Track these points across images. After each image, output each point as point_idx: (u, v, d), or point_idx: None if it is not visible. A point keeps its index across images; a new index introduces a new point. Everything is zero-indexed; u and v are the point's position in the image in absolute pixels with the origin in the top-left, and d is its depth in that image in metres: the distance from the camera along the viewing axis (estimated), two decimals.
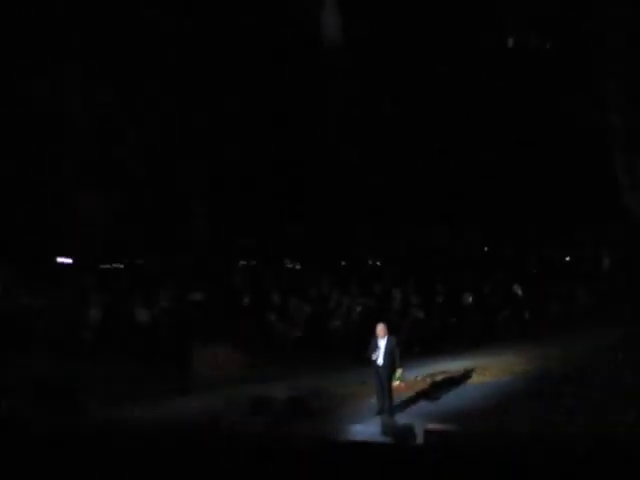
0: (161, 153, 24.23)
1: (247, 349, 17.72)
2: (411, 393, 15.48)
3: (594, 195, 17.84)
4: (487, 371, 16.81)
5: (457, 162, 21.15)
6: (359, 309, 18.48)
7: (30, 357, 18.24)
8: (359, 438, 14.25)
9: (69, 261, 22.05)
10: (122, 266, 21.43)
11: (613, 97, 17.44)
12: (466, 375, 16.60)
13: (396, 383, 14.78)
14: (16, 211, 21.27)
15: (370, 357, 14.85)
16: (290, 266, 21.12)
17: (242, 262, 21.55)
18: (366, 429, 14.37)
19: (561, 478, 10.89)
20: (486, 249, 21.12)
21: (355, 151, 21.81)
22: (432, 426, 13.85)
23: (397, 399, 14.95)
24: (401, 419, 14.63)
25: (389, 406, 14.65)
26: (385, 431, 14.10)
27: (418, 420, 14.36)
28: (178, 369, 17.19)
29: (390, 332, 15.04)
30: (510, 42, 21.77)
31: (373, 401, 15.01)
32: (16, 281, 20.44)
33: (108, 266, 21.55)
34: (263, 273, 20.66)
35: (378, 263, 20.95)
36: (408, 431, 13.85)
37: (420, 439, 13.57)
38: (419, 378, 16.13)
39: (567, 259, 20.43)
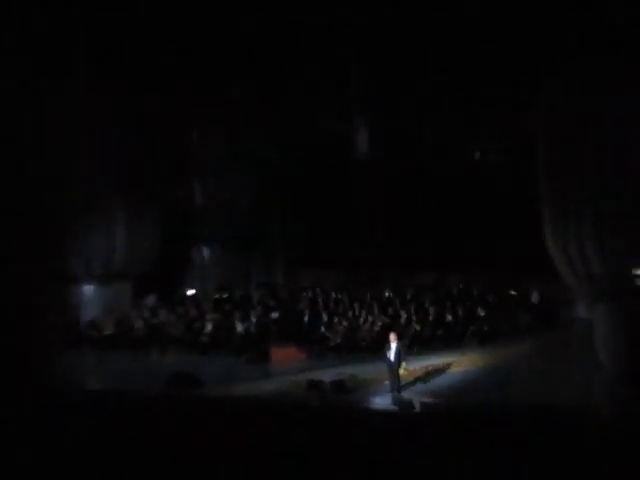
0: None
1: (306, 350, 17.67)
2: (411, 378, 15.38)
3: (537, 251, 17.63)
4: (461, 364, 16.72)
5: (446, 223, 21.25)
6: (379, 324, 18.30)
7: (166, 354, 18.39)
8: (378, 408, 14.49)
9: (193, 291, 22.14)
10: (227, 295, 21.46)
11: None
12: (447, 367, 16.48)
13: (402, 371, 14.81)
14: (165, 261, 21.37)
15: (385, 355, 15.02)
16: (334, 296, 21.08)
17: (304, 293, 21.46)
18: (382, 402, 14.50)
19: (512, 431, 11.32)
20: (461, 286, 21.04)
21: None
22: (425, 399, 14.44)
23: (402, 382, 14.89)
24: (405, 395, 14.68)
25: (397, 387, 14.70)
26: (394, 403, 14.29)
27: (416, 396, 14.62)
28: (262, 362, 17.31)
29: (398, 338, 15.12)
30: None
31: (387, 383, 14.98)
32: (159, 304, 20.66)
33: (218, 296, 21.51)
34: (317, 300, 20.63)
35: (391, 294, 20.86)
36: (409, 403, 14.12)
37: (417, 408, 13.97)
38: (417, 368, 15.92)
39: (513, 293, 20.33)
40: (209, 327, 19.05)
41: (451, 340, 18.32)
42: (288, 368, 16.80)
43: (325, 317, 19.24)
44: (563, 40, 14.61)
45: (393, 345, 15.14)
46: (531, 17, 14.31)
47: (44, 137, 17.97)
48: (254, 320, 19.23)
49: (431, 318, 18.97)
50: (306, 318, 19.39)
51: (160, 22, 16.09)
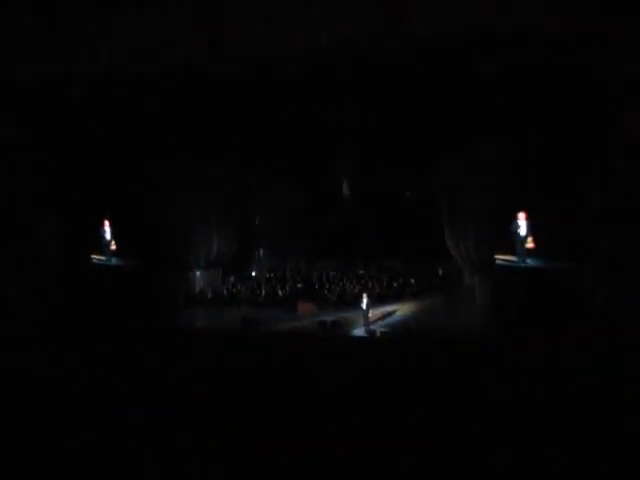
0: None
1: (317, 304, 17.42)
2: (375, 318, 15.28)
3: (442, 247, 17.37)
4: (403, 309, 16.63)
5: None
6: (357, 289, 18.15)
7: (240, 308, 18.00)
8: (357, 335, 14.56)
9: (254, 273, 21.74)
10: (273, 275, 21.01)
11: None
12: (395, 311, 16.38)
13: (370, 315, 14.94)
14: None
15: (360, 306, 15.15)
16: (332, 274, 20.54)
17: (317, 272, 20.83)
18: (359, 332, 14.61)
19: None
20: (402, 267, 20.53)
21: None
22: (383, 329, 14.60)
23: (370, 321, 14.89)
24: (371, 328, 14.74)
25: (367, 323, 14.83)
26: (366, 332, 14.46)
27: (378, 328, 14.78)
28: (293, 312, 17.10)
29: (368, 296, 15.25)
30: None
31: (362, 321, 15.00)
32: (236, 281, 20.47)
33: (268, 275, 21.13)
34: (322, 277, 20.16)
35: (363, 272, 20.39)
36: (374, 332, 14.37)
37: (379, 335, 14.19)
38: (378, 312, 15.83)
39: (429, 270, 19.93)
40: (263, 292, 18.97)
41: (397, 297, 18.16)
42: (307, 314, 16.68)
43: (327, 286, 19.18)
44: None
45: (365, 300, 15.26)
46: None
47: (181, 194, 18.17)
48: (288, 288, 19.18)
49: (385, 284, 18.96)
50: (317, 286, 19.26)
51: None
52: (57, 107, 13.43)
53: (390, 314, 16.23)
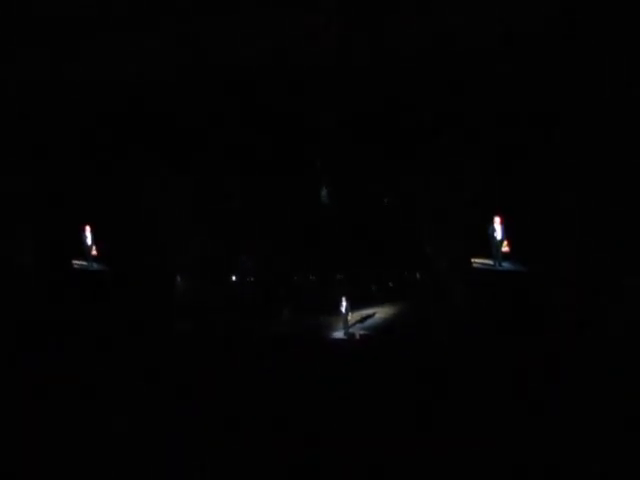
0: None
1: (298, 309, 16.99)
2: (354, 321, 15.31)
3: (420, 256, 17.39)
4: (380, 312, 15.92)
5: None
6: (337, 293, 16.98)
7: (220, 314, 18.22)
8: (337, 337, 14.98)
9: (234, 279, 21.64)
10: (252, 280, 21.15)
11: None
12: (373, 314, 16.10)
13: (349, 318, 15.23)
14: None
15: (340, 309, 15.47)
16: (312, 278, 20.64)
17: (297, 278, 20.97)
18: (338, 334, 14.83)
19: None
20: (380, 273, 20.70)
21: None
22: (362, 332, 14.64)
23: (349, 324, 15.14)
24: (351, 330, 14.82)
25: (347, 326, 14.98)
26: (345, 334, 14.56)
27: (357, 330, 14.88)
28: (274, 316, 17.09)
29: (348, 300, 15.66)
30: None
31: (341, 324, 15.46)
32: (216, 289, 20.52)
33: (249, 280, 21.24)
34: (302, 282, 20.29)
35: (341, 276, 20.42)
36: (353, 335, 14.52)
37: (357, 337, 14.43)
38: (357, 316, 16.06)
39: (407, 276, 20.06)
40: (244, 298, 17.96)
41: (375, 300, 17.99)
42: (288, 319, 16.00)
43: (307, 290, 18.13)
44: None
45: (344, 304, 15.56)
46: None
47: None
48: (269, 294, 18.03)
49: (364, 288, 18.11)
50: (297, 291, 18.03)
51: None
52: (47, 109, 13.21)
53: (368, 317, 16.46)
